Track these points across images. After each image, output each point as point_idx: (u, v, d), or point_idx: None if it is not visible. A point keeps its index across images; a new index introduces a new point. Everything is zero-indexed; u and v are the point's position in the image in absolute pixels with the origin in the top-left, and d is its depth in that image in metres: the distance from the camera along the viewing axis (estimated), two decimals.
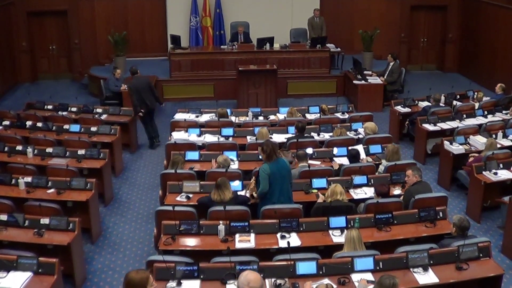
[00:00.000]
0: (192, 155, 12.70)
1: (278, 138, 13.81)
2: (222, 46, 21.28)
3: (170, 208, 9.95)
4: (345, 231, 9.25)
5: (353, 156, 12.25)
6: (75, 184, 11.39)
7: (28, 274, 8.38)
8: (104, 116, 15.68)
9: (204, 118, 15.54)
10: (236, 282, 6.47)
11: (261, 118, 15.62)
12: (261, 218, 10.07)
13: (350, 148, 12.66)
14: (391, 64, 19.73)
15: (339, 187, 10.21)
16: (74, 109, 16.13)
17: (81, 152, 12.94)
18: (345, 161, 12.50)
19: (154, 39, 22.73)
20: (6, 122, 15.01)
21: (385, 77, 19.77)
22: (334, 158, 12.75)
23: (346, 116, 15.75)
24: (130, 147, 15.92)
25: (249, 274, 6.31)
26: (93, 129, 14.50)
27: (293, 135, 13.76)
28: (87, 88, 21.31)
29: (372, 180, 11.51)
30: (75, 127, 14.64)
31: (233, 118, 15.39)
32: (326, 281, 7.90)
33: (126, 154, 15.62)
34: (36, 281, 8.32)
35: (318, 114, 15.68)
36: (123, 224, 12.17)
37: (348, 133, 14.17)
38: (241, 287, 6.18)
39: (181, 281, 8.13)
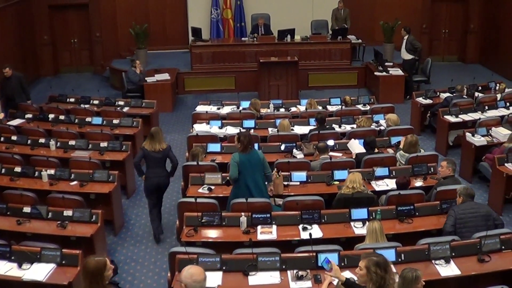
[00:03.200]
0: (214, 147, 12.75)
1: (300, 130, 13.84)
2: (243, 38, 21.29)
3: (192, 200, 10.01)
4: (367, 222, 9.23)
5: (368, 144, 12.23)
6: (98, 176, 11.49)
7: (52, 265, 8.45)
8: (126, 109, 15.75)
9: (226, 110, 15.56)
10: (179, 277, 6.56)
11: (282, 110, 15.63)
12: (283, 210, 10.12)
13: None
14: (405, 38, 19.65)
15: (357, 175, 10.23)
16: (96, 101, 16.22)
17: (103, 144, 13.04)
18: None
19: (175, 32, 22.74)
20: (29, 115, 15.10)
21: (401, 53, 19.86)
22: (350, 149, 12.74)
23: (368, 107, 15.73)
24: None
25: (191, 268, 6.41)
26: (115, 121, 14.58)
27: (315, 127, 13.77)
28: (109, 81, 21.37)
29: (393, 171, 11.50)
30: (97, 120, 14.74)
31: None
32: (348, 274, 7.89)
33: None
34: (59, 272, 8.39)
35: (340, 106, 15.67)
36: (145, 216, 12.18)
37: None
38: (184, 281, 6.27)
39: None
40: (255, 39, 20.48)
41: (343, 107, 15.54)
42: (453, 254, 8.62)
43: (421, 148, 12.76)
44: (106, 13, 22.17)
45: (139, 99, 16.81)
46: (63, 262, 8.50)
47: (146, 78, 18.45)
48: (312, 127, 13.87)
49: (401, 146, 12.35)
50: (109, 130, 14.11)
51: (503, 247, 8.82)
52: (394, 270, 7.75)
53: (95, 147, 13.06)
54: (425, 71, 19.98)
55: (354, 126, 14.13)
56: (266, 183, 10.57)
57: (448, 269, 8.41)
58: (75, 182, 11.44)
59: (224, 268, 8.29)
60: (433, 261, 8.53)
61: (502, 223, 9.61)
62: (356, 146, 12.54)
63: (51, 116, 14.99)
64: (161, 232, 11.58)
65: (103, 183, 11.44)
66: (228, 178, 10.55)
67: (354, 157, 12.21)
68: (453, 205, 9.62)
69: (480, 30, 23.76)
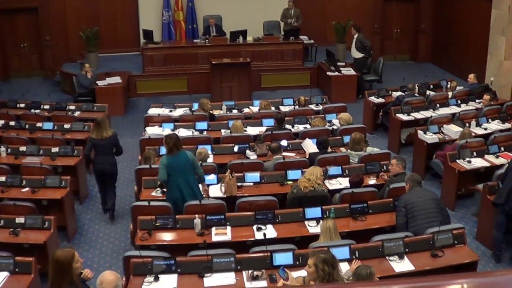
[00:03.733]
0: None
1: (253, 131, 13.86)
2: (195, 40, 21.19)
3: (146, 203, 9.98)
4: (321, 221, 9.27)
5: (320, 143, 12.27)
6: (50, 182, 11.38)
7: (5, 274, 8.35)
8: (77, 113, 15.63)
9: (178, 112, 15.50)
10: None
11: (235, 111, 15.64)
12: (237, 211, 10.09)
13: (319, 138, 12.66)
14: (355, 36, 19.82)
15: (318, 169, 10.35)
16: (46, 106, 16.05)
17: (55, 149, 12.91)
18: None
19: (126, 34, 22.57)
20: None
21: (351, 51, 20.13)
22: (304, 148, 12.81)
23: (320, 107, 15.81)
24: None
25: (105, 274, 6.46)
26: (67, 126, 14.44)
27: (272, 127, 13.79)
28: (60, 85, 21.11)
29: (346, 170, 11.56)
30: (48, 125, 14.56)
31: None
32: (302, 273, 7.91)
33: None
34: (13, 280, 8.30)
35: (292, 106, 15.73)
36: (98, 221, 12.13)
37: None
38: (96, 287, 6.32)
39: (159, 276, 8.14)
40: (207, 40, 20.41)
41: (296, 107, 15.58)
42: (407, 250, 8.75)
43: (373, 147, 12.94)
44: (56, 16, 21.92)
45: (91, 103, 16.69)
46: (17, 270, 8.41)
47: (97, 82, 18.27)
48: (265, 128, 13.88)
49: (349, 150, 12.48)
50: (61, 135, 13.97)
51: (455, 242, 8.98)
52: (348, 267, 7.82)
53: (46, 153, 12.91)
54: (377, 70, 20.18)
55: (307, 126, 14.19)
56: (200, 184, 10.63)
57: (402, 265, 8.52)
58: (26, 189, 11.32)
59: (179, 270, 8.26)
60: (387, 258, 8.64)
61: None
62: (310, 146, 12.60)
63: (1, 122, 14.83)
64: (112, 209, 12.26)
65: (55, 188, 11.32)
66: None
67: (307, 156, 12.25)
68: (400, 197, 9.74)
69: (431, 30, 23.99)
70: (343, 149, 12.83)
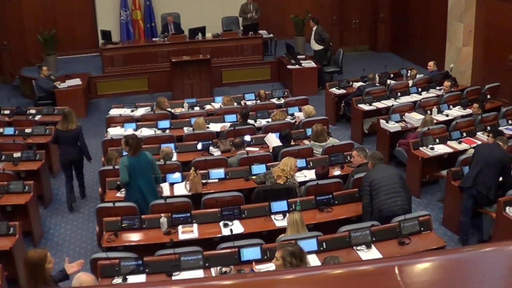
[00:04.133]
0: None
1: (215, 127, 13.83)
2: (153, 39, 21.09)
3: (111, 204, 9.93)
4: (287, 214, 9.30)
5: (283, 137, 12.31)
6: (13, 188, 11.25)
7: None
8: (38, 117, 15.45)
9: (140, 112, 15.44)
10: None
11: (197, 108, 15.61)
12: (202, 208, 10.07)
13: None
14: (314, 28, 19.92)
15: (292, 160, 10.49)
16: (6, 111, 15.83)
17: (16, 154, 12.75)
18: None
19: (84, 36, 22.37)
20: None
21: (311, 44, 20.23)
22: (267, 143, 12.86)
23: (282, 101, 15.84)
24: None
25: (82, 275, 6.44)
26: (28, 130, 14.26)
27: (235, 123, 13.81)
28: (19, 90, 20.91)
29: (311, 162, 11.60)
30: (9, 130, 14.38)
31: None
32: (272, 266, 7.93)
33: None
34: None
35: (254, 101, 15.73)
36: (64, 225, 12.05)
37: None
38: None
39: (127, 277, 8.12)
40: (166, 39, 20.35)
41: (258, 101, 15.60)
42: (374, 239, 8.83)
43: (336, 138, 12.96)
44: (13, 20, 21.66)
45: (51, 106, 16.53)
46: None
47: (57, 85, 18.11)
48: (228, 124, 13.87)
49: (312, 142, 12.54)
50: (22, 139, 13.78)
51: (422, 229, 9.09)
52: (316, 259, 7.85)
53: (8, 158, 12.75)
54: (337, 61, 20.25)
55: (269, 120, 14.19)
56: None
57: (370, 254, 8.59)
58: None
59: (147, 270, 8.24)
60: (354, 248, 8.72)
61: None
62: (273, 140, 12.63)
63: None
64: (74, 200, 12.82)
65: (19, 194, 11.19)
66: (118, 183, 10.56)
67: (271, 150, 12.28)
68: (363, 176, 9.86)
69: (389, 19, 24.13)
70: (306, 142, 12.88)
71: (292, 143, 12.40)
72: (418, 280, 2.43)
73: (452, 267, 2.52)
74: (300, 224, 8.83)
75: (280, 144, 12.35)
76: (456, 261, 2.55)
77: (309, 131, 13.06)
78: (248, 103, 15.78)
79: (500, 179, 10.41)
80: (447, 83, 15.74)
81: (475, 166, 10.37)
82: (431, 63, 17.31)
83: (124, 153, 12.11)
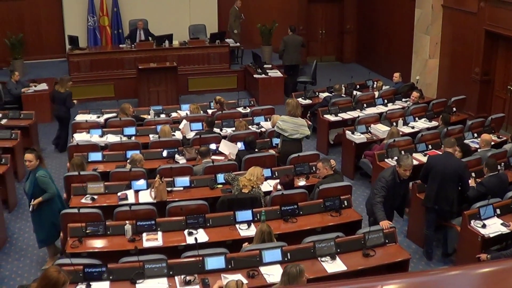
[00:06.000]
0: (95, 156, 12.63)
1: (181, 135, 13.82)
2: (120, 45, 21.08)
3: (76, 210, 9.90)
4: (252, 224, 9.38)
5: (248, 144, 12.42)
6: None
7: None
8: (4, 121, 15.35)
9: (106, 117, 15.39)
10: None
11: (163, 116, 15.58)
12: (167, 216, 10.11)
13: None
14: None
15: (258, 169, 10.55)
16: None
17: None
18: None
19: (51, 40, 22.29)
20: None
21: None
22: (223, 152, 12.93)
23: (248, 110, 15.89)
24: None
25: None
26: None
27: (200, 131, 13.82)
28: None
29: (276, 172, 11.67)
30: None
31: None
32: (237, 276, 7.96)
33: None
34: None
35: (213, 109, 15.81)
36: (28, 229, 11.94)
37: (250, 127, 14.30)
38: None
39: (90, 283, 8.11)
40: (133, 45, 20.34)
41: (221, 110, 15.58)
42: (338, 250, 8.91)
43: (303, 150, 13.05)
44: None
45: (17, 110, 16.44)
46: None
47: (23, 89, 18.02)
48: (194, 132, 13.90)
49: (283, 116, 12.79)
50: None
51: (386, 241, 9.19)
52: (280, 269, 7.90)
53: None
54: (310, 72, 20.37)
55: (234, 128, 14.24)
56: None
57: (334, 265, 8.66)
58: None
59: (111, 277, 8.23)
60: (319, 259, 8.78)
61: None
62: (229, 146, 12.69)
63: None
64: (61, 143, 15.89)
65: None
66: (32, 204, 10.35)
67: (230, 157, 12.36)
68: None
69: (356, 30, 24.45)
70: (271, 151, 12.93)
71: (256, 151, 12.47)
72: None
73: None
74: (267, 236, 8.87)
75: (235, 148, 12.47)
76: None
77: (275, 141, 13.18)
78: (210, 111, 15.81)
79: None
80: (416, 94, 15.94)
81: (433, 182, 10.47)
82: (396, 74, 17.53)
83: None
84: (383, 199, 9.82)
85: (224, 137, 13.62)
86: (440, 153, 12.16)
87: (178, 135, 13.87)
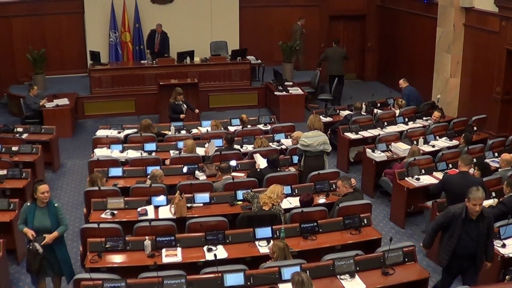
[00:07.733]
0: (115, 171, 12.66)
1: (202, 151, 13.83)
2: (142, 61, 21.16)
3: (95, 225, 9.90)
4: (271, 241, 9.35)
5: (271, 162, 12.39)
6: None
7: None
8: (25, 135, 15.42)
9: (126, 133, 15.41)
10: None
11: (183, 132, 15.60)
12: (187, 232, 10.11)
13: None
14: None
15: (279, 188, 10.54)
16: None
17: (2, 172, 12.71)
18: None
19: (73, 56, 22.40)
20: None
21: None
22: (256, 160, 13.03)
23: (269, 127, 15.88)
24: (52, 165, 15.67)
25: None
26: (14, 148, 14.24)
27: (220, 147, 13.85)
28: (7, 108, 20.91)
29: (296, 190, 11.64)
30: None
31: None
32: None
33: (49, 173, 15.38)
34: None
35: (240, 127, 15.76)
36: None
37: (270, 144, 14.27)
38: None
39: None
40: (155, 61, 20.38)
41: (241, 127, 15.60)
42: (358, 268, 8.84)
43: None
44: (2, 38, 21.64)
45: (38, 125, 16.50)
46: None
47: (45, 104, 18.10)
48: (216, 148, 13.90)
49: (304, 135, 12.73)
50: (8, 157, 13.77)
51: (406, 260, 9.11)
52: None
53: None
54: (331, 89, 20.58)
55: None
56: None
57: (354, 284, 8.60)
58: None
59: None
60: (338, 276, 8.71)
61: None
62: (261, 161, 12.70)
63: None
64: None
65: (4, 211, 11.15)
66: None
67: (258, 169, 12.35)
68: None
69: (377, 48, 24.41)
70: (292, 168, 12.91)
71: (278, 169, 12.46)
72: None
73: None
74: (285, 252, 8.85)
75: (267, 166, 12.44)
76: None
77: (295, 158, 13.16)
78: (233, 128, 15.84)
79: None
80: (437, 113, 15.85)
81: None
82: (401, 81, 17.67)
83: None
84: (439, 227, 9.17)
85: (245, 154, 13.61)
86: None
87: (200, 151, 13.86)
